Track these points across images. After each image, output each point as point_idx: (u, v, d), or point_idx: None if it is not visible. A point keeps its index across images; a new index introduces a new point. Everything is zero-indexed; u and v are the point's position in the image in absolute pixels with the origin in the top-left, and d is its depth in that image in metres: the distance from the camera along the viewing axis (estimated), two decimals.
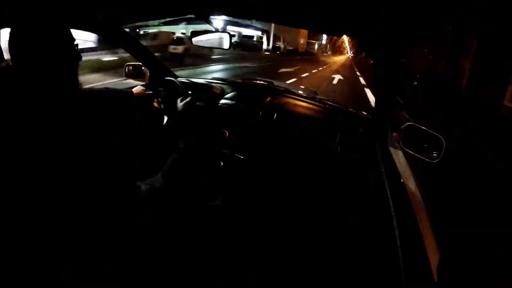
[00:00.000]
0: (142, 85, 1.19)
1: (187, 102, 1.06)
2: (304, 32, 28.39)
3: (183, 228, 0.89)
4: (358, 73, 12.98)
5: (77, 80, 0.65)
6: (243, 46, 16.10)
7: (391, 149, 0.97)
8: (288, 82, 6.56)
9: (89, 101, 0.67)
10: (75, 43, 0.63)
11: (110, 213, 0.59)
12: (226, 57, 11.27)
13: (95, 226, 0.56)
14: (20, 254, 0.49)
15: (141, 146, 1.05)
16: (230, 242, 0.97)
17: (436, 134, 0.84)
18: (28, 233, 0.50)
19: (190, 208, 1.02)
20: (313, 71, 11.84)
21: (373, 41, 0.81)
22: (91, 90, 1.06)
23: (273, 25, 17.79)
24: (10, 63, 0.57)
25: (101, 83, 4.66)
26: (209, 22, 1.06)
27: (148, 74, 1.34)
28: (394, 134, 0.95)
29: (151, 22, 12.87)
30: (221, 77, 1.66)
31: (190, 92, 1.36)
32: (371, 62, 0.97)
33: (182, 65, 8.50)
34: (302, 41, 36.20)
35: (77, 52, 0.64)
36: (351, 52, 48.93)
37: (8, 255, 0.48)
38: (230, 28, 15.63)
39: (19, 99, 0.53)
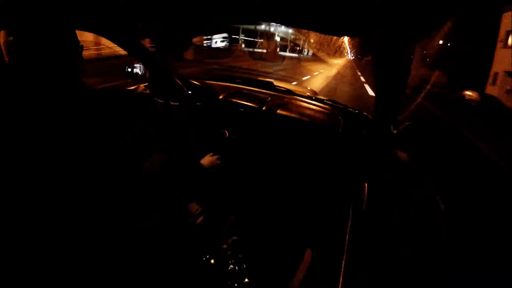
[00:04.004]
0: (142, 85, 1.19)
1: None
2: None
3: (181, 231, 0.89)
4: None
5: (80, 80, 0.66)
6: None
7: (391, 148, 0.97)
8: None
9: (92, 100, 0.67)
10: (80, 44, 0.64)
11: (115, 212, 0.60)
12: None
13: (99, 226, 0.57)
14: (21, 254, 0.50)
15: (142, 145, 1.05)
16: (228, 244, 0.97)
17: (436, 134, 0.84)
18: (30, 233, 0.50)
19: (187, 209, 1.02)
20: None
21: (373, 40, 0.81)
22: (94, 90, 1.06)
23: None
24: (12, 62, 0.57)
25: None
26: (210, 23, 1.06)
27: (147, 74, 1.35)
28: (394, 133, 0.95)
29: None
30: (222, 77, 1.66)
31: (190, 92, 1.36)
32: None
33: None
34: None
35: (80, 53, 0.65)
36: (351, 53, 39.93)
37: (10, 256, 0.48)
38: None
39: (20, 98, 0.53)
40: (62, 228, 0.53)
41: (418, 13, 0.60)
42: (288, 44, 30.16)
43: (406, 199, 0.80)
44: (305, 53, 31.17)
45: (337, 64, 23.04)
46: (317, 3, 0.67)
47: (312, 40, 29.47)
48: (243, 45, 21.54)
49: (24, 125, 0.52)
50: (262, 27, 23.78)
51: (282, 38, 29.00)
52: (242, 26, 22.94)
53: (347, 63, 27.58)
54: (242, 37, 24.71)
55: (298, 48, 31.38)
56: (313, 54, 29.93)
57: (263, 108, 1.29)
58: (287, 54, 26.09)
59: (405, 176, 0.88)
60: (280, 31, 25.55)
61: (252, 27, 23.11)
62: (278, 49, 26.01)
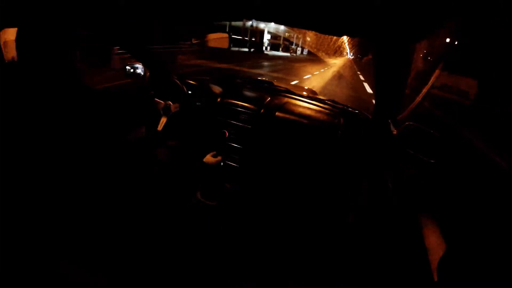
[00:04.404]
0: (142, 85, 1.19)
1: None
2: None
3: (180, 229, 0.89)
4: None
5: (79, 79, 0.66)
6: None
7: (391, 148, 0.97)
8: None
9: (91, 100, 0.67)
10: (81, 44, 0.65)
11: (115, 207, 0.60)
12: None
13: (99, 221, 0.57)
14: (21, 250, 0.49)
15: (141, 143, 1.05)
16: (228, 243, 0.97)
17: (435, 134, 0.84)
18: (29, 228, 0.50)
19: (186, 208, 1.02)
20: None
21: (373, 40, 0.81)
22: (94, 90, 1.06)
23: None
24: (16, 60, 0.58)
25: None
26: (210, 24, 1.06)
27: (148, 74, 1.35)
28: (394, 133, 0.95)
29: None
30: (222, 77, 1.67)
31: (190, 92, 1.36)
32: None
33: None
34: None
35: (80, 53, 0.65)
36: (351, 53, 39.35)
37: (9, 251, 0.48)
38: None
39: (22, 94, 0.53)
40: (61, 227, 0.53)
41: (418, 13, 0.60)
42: (281, 42, 26.49)
43: (405, 197, 0.80)
44: (299, 52, 26.93)
45: (334, 64, 19.83)
46: (316, 3, 0.67)
47: (308, 39, 26.52)
48: (231, 44, 18.37)
49: (23, 124, 0.52)
50: (249, 23, 19.43)
51: (273, 36, 24.69)
52: (227, 24, 18.58)
53: (346, 62, 24.97)
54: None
55: (292, 47, 27.04)
56: (310, 53, 27.28)
57: (261, 110, 1.29)
58: (279, 53, 23.04)
59: (404, 175, 0.88)
60: (271, 27, 21.43)
61: (240, 23, 18.97)
62: (268, 47, 23.06)
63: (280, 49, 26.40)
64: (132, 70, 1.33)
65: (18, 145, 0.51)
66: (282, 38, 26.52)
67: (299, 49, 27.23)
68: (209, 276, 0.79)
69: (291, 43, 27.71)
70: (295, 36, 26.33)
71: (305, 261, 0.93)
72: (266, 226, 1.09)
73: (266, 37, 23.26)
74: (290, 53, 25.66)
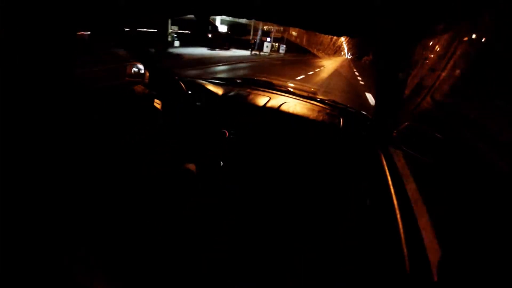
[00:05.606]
0: (142, 85, 1.19)
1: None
2: None
3: (180, 226, 0.89)
4: None
5: (78, 79, 0.66)
6: None
7: (391, 148, 0.97)
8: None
9: (91, 99, 0.67)
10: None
11: (115, 207, 0.60)
12: None
13: (99, 221, 0.57)
14: (30, 254, 0.49)
15: (141, 144, 1.05)
16: (228, 243, 0.97)
17: (436, 134, 0.84)
18: (28, 229, 0.50)
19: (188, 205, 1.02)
20: None
21: (373, 39, 0.81)
22: (93, 90, 1.06)
23: None
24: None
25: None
26: (208, 21, 1.07)
27: (148, 74, 1.35)
28: (394, 133, 0.95)
29: None
30: (222, 77, 1.67)
31: (190, 92, 1.36)
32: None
33: None
34: None
35: (76, 53, 0.65)
36: (349, 53, 39.73)
37: (19, 256, 0.48)
38: None
39: (18, 98, 0.53)
40: (61, 227, 0.53)
41: (418, 13, 0.60)
42: (251, 37, 18.42)
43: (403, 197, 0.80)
44: (267, 49, 18.00)
45: (325, 67, 13.65)
46: (316, 3, 0.67)
47: (294, 33, 20.06)
48: (176, 43, 12.97)
49: (24, 125, 0.52)
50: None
51: (235, 28, 16.92)
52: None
53: (342, 62, 19.90)
54: (173, 30, 13.43)
55: (276, 44, 19.15)
56: (297, 50, 20.44)
57: (263, 107, 1.29)
58: (227, 53, 13.39)
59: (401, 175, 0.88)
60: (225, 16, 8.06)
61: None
62: (226, 45, 14.82)
63: (251, 48, 17.64)
64: (132, 70, 1.32)
65: (19, 146, 0.51)
66: (252, 30, 18.73)
67: (267, 45, 18.20)
68: (209, 276, 0.79)
69: (277, 39, 19.84)
70: (264, 28, 18.72)
71: (305, 261, 0.93)
72: (266, 226, 1.09)
73: (220, 29, 16.21)
74: (252, 51, 16.62)
